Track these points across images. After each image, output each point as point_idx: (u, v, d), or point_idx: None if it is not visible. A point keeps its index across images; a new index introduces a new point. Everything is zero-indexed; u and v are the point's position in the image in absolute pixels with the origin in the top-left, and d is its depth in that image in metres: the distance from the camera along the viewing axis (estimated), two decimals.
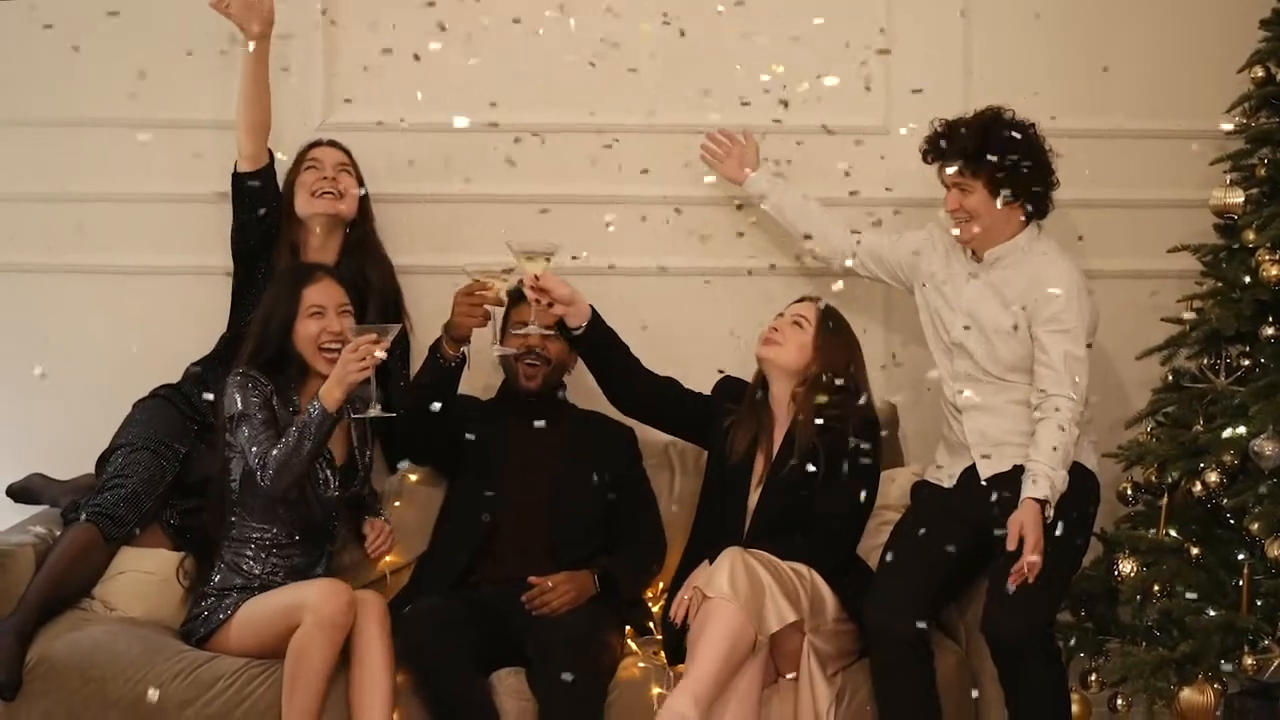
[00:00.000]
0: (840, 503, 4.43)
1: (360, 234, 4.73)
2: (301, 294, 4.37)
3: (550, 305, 4.36)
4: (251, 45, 4.54)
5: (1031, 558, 4.16)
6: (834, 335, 4.51)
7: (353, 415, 4.31)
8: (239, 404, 4.31)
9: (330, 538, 4.48)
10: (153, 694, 4.17)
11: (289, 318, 4.36)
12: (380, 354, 4.19)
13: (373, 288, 4.65)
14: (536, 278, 4.32)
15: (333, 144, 4.77)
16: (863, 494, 4.44)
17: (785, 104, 4.85)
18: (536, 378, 4.58)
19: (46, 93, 4.83)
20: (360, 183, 4.73)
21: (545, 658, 4.23)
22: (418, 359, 4.70)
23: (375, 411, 4.28)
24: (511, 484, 4.52)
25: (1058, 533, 4.24)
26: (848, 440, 4.41)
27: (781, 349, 4.49)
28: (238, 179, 4.65)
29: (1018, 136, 4.41)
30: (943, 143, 4.46)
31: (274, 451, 4.24)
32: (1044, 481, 4.25)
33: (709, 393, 4.64)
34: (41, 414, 4.87)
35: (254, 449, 4.27)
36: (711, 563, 4.31)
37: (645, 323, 4.71)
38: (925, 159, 4.51)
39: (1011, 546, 4.17)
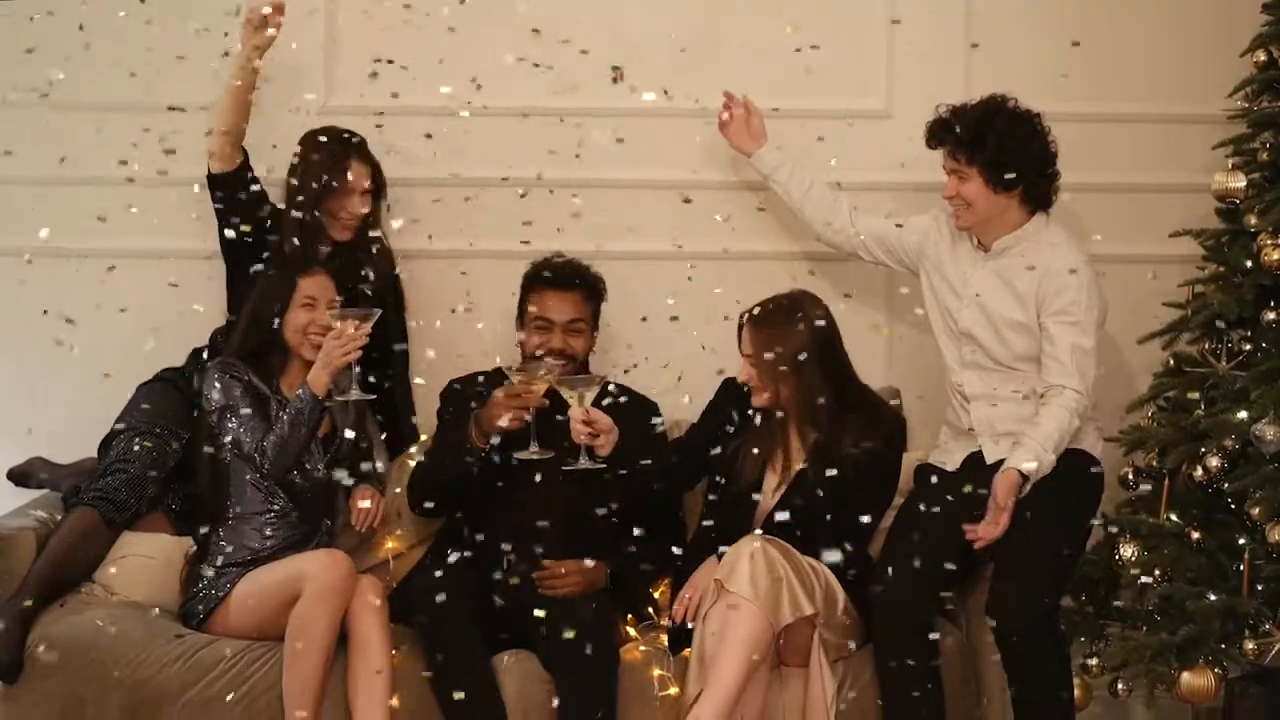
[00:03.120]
0: (859, 518, 4.40)
1: (361, 232, 4.70)
2: (298, 283, 4.45)
3: (595, 436, 4.31)
4: (247, 56, 4.49)
5: (990, 528, 4.20)
6: (781, 340, 4.35)
7: (336, 398, 4.39)
8: (223, 396, 4.41)
9: (329, 510, 4.51)
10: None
11: (283, 305, 4.44)
12: (363, 338, 4.28)
13: (368, 275, 4.63)
14: (587, 410, 4.30)
15: (363, 156, 4.67)
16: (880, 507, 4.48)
17: (787, 87, 4.87)
18: (560, 370, 4.48)
19: (58, 74, 4.83)
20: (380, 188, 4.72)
21: (562, 634, 4.22)
22: (413, 345, 4.78)
23: (355, 394, 4.36)
24: (531, 478, 4.42)
25: (1055, 518, 4.28)
26: (875, 462, 4.40)
27: (766, 392, 4.40)
28: (219, 183, 4.60)
29: (1018, 127, 4.40)
30: (943, 128, 4.45)
31: (270, 439, 4.36)
32: (1030, 456, 4.24)
33: (714, 396, 4.60)
34: (43, 397, 4.87)
35: (248, 438, 4.38)
36: (719, 559, 4.30)
37: (656, 309, 4.76)
38: (928, 143, 4.50)
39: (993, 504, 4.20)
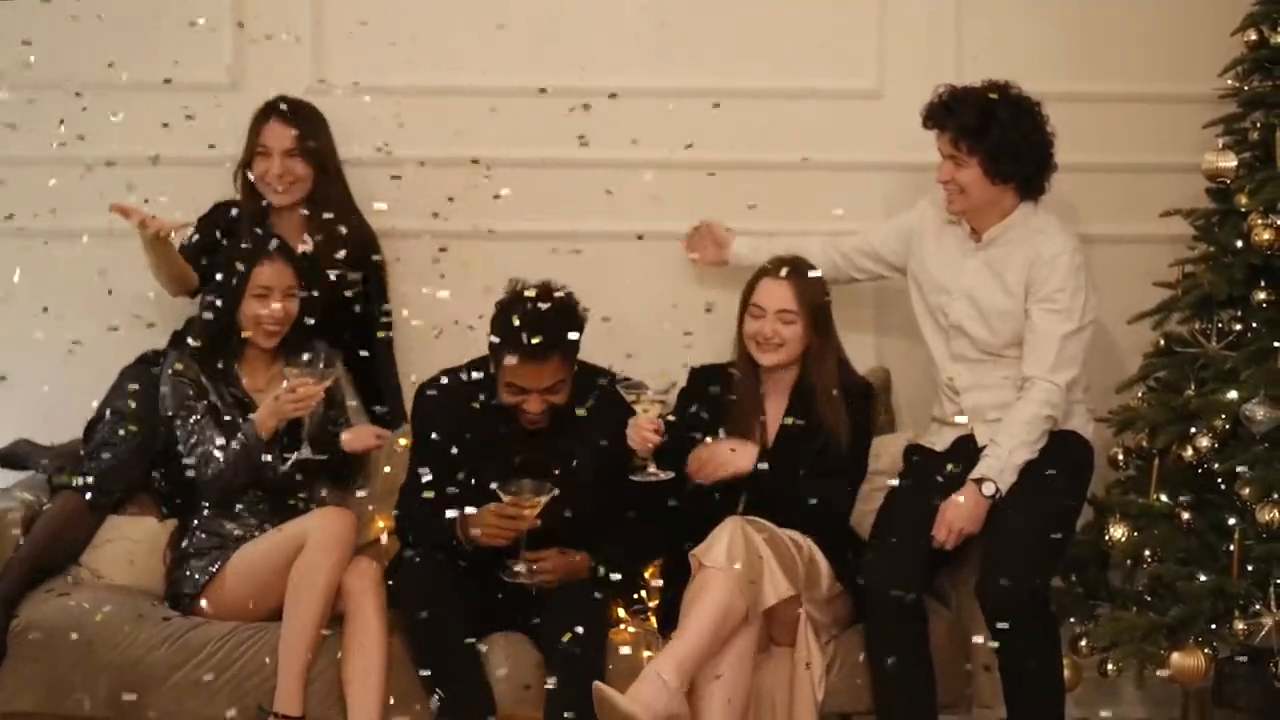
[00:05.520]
0: (840, 481, 4.43)
1: (326, 205, 4.68)
2: (251, 273, 4.44)
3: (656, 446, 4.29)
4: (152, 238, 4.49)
5: (942, 533, 4.26)
6: (814, 296, 4.42)
7: (284, 456, 4.39)
8: (173, 404, 4.44)
9: (293, 500, 4.49)
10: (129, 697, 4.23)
11: (237, 294, 4.43)
12: (314, 400, 4.31)
13: (339, 261, 4.61)
14: (656, 421, 4.26)
15: (284, 117, 4.66)
16: (858, 466, 4.49)
17: (776, 66, 4.87)
18: (542, 422, 4.38)
19: (41, 53, 4.80)
20: (320, 154, 4.68)
21: (554, 615, 4.22)
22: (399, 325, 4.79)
23: (306, 453, 4.36)
24: (515, 476, 4.33)
25: (1056, 498, 4.31)
26: (851, 418, 4.42)
27: (783, 348, 4.42)
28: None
29: (1021, 118, 4.38)
30: (943, 112, 4.41)
31: (210, 467, 4.38)
32: (983, 464, 4.30)
33: (684, 386, 4.55)
34: (27, 379, 4.84)
35: (191, 458, 4.40)
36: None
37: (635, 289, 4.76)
38: (925, 125, 4.47)
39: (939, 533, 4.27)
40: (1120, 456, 4.64)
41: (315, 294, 4.54)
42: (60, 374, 4.76)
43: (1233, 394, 4.35)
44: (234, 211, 4.72)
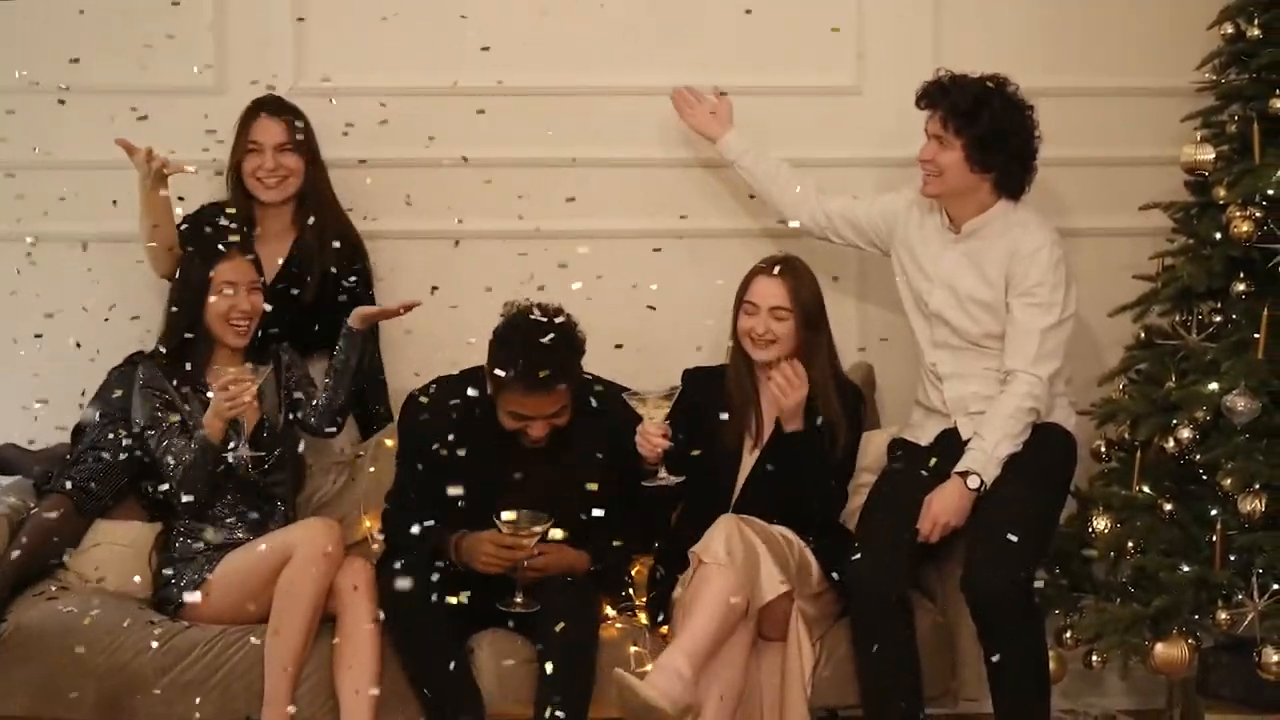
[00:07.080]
0: (833, 478, 4.46)
1: (314, 202, 4.69)
2: (214, 269, 4.43)
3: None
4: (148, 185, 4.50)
5: (926, 526, 4.28)
6: (807, 294, 4.46)
7: (223, 451, 4.37)
8: (144, 417, 4.42)
9: (269, 497, 4.48)
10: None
11: (202, 292, 4.42)
12: (248, 397, 4.28)
13: (327, 259, 4.64)
14: (664, 426, 4.28)
15: (274, 111, 4.69)
16: (849, 465, 4.52)
17: (757, 63, 4.89)
18: (543, 442, 4.38)
19: (32, 57, 4.79)
20: (309, 150, 4.69)
21: (546, 605, 4.23)
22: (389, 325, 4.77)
23: (246, 451, 4.37)
24: (512, 492, 4.36)
25: (1040, 491, 4.33)
26: (845, 416, 4.44)
27: (776, 344, 4.43)
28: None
29: (1013, 113, 4.41)
30: (939, 92, 4.44)
31: (176, 471, 4.35)
32: (967, 458, 4.33)
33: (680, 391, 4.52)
34: (12, 383, 4.84)
35: (167, 460, 4.37)
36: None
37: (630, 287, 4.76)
38: (918, 103, 4.48)
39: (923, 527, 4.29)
40: (1103, 449, 4.66)
41: (296, 291, 4.56)
42: (46, 376, 4.76)
43: (1213, 385, 4.36)
44: (220, 211, 4.71)
